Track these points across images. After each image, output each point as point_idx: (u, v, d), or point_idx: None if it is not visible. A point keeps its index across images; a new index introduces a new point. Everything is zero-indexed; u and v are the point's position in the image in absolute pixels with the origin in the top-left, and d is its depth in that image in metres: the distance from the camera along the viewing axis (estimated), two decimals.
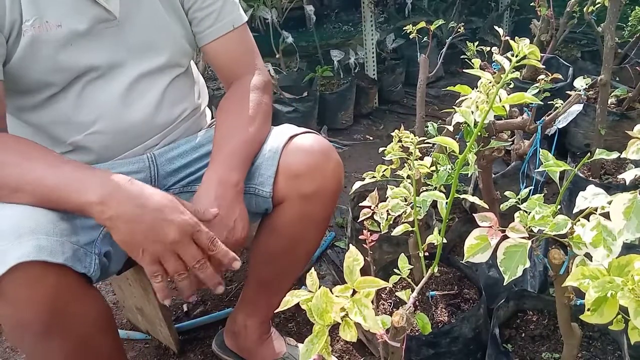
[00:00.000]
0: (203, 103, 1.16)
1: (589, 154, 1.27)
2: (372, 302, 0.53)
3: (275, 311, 0.62)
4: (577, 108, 1.29)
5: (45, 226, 0.74)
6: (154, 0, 0.97)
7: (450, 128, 0.97)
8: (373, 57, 2.70)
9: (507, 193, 0.90)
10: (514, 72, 0.62)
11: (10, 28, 0.84)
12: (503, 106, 0.66)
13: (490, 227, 0.59)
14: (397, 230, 0.79)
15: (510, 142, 1.15)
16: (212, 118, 1.21)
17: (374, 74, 2.75)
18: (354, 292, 0.54)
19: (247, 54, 1.08)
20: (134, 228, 0.77)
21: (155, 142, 1.03)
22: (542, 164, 0.66)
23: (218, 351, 1.28)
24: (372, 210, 0.87)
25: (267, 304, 1.14)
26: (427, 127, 1.07)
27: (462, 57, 1.30)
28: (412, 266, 0.89)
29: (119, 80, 0.95)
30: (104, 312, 0.88)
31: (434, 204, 0.78)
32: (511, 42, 0.63)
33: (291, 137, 1.00)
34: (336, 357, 1.28)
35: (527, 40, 0.64)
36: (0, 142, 0.81)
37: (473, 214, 0.63)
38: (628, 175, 0.55)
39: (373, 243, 0.78)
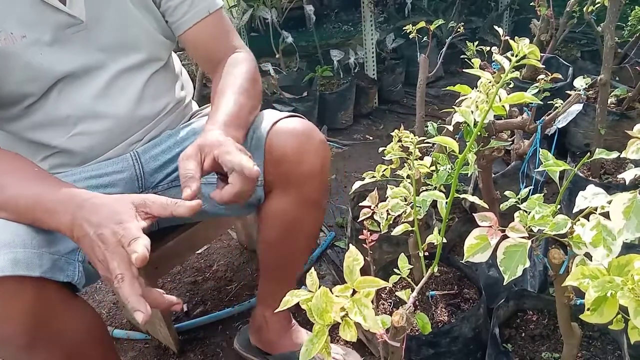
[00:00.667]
0: (187, 96, 1.15)
1: (588, 153, 1.27)
2: (372, 302, 0.53)
3: (276, 311, 0.62)
4: (577, 108, 1.29)
5: (23, 239, 0.72)
6: None
7: (450, 128, 0.97)
8: (373, 57, 2.70)
9: (507, 193, 0.90)
10: (513, 71, 0.62)
11: None
12: (503, 106, 0.66)
13: (490, 226, 0.59)
14: (397, 230, 0.79)
15: (510, 142, 1.15)
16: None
17: (373, 74, 2.75)
18: (354, 292, 0.54)
19: (225, 37, 1.06)
20: (89, 247, 0.71)
21: (139, 138, 1.02)
22: (542, 163, 0.66)
23: (240, 349, 1.29)
24: (372, 210, 0.87)
25: (280, 294, 1.14)
26: (427, 126, 1.08)
27: (462, 56, 1.30)
28: (412, 266, 0.89)
29: (96, 81, 0.95)
30: (92, 321, 0.87)
31: (434, 204, 0.78)
32: (511, 41, 0.63)
33: (275, 122, 0.99)
34: None
35: (527, 40, 0.64)
36: None
37: (473, 214, 0.63)
38: (628, 175, 0.55)
39: (373, 243, 0.78)
